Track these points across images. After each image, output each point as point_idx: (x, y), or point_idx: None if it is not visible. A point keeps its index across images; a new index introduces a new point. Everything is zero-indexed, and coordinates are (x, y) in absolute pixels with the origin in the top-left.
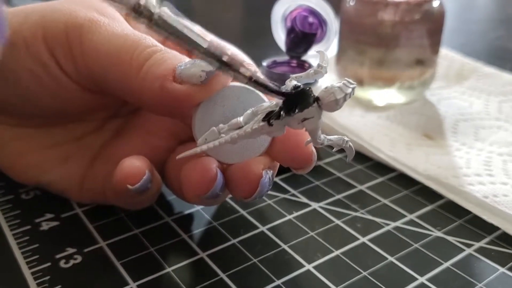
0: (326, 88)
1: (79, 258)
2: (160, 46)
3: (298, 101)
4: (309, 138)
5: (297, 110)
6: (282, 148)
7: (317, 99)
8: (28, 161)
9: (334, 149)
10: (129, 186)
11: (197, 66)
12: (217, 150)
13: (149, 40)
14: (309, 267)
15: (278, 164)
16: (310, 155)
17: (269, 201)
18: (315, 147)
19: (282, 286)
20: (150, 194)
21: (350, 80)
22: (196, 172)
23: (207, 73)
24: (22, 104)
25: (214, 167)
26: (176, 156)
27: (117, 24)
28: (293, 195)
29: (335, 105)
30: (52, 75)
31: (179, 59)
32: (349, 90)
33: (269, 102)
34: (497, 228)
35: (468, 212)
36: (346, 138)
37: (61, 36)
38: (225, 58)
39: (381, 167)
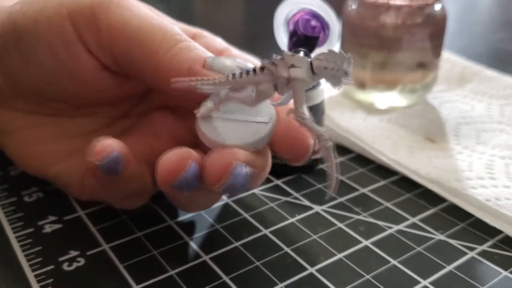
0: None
1: (82, 261)
2: (188, 38)
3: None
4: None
5: (287, 53)
6: (283, 135)
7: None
8: (37, 150)
9: (314, 154)
10: (96, 162)
11: (233, 61)
12: (208, 123)
13: (178, 29)
14: (312, 270)
15: (263, 165)
16: (308, 145)
17: (272, 204)
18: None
19: None
20: (130, 185)
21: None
22: (168, 158)
23: (241, 69)
24: (39, 85)
25: (187, 155)
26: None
27: (145, 6)
28: (296, 198)
29: (325, 60)
30: (72, 52)
31: (208, 52)
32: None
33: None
34: (500, 232)
35: (470, 215)
36: (330, 142)
37: (86, 10)
38: None
39: (383, 170)
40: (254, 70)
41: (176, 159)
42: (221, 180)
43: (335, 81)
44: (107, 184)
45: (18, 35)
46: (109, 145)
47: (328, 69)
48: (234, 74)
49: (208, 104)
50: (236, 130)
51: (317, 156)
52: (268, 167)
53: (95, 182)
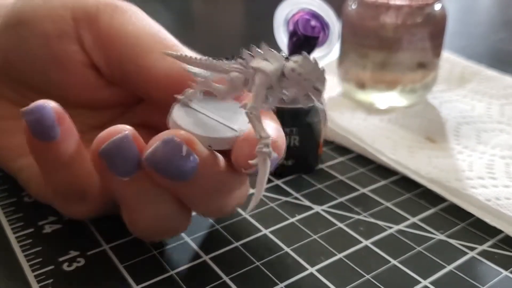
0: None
1: (82, 261)
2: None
3: None
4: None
5: (265, 47)
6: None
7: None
8: (10, 141)
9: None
10: (23, 113)
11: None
12: (181, 109)
13: (176, 41)
14: (312, 270)
15: (201, 148)
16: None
17: (272, 204)
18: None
19: None
20: (72, 172)
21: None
22: (105, 130)
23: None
24: (28, 72)
25: (123, 127)
26: None
27: (148, 17)
28: (296, 198)
29: (297, 63)
30: (65, 44)
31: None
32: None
33: None
34: (500, 231)
35: (471, 215)
36: (268, 149)
37: (91, 9)
38: None
39: (383, 170)
40: (231, 57)
41: (111, 128)
42: (148, 152)
43: (302, 92)
44: (43, 158)
45: (17, 19)
46: (47, 103)
47: (296, 73)
48: (213, 58)
49: (189, 91)
50: (202, 123)
51: (253, 162)
52: (243, 188)
53: (32, 153)
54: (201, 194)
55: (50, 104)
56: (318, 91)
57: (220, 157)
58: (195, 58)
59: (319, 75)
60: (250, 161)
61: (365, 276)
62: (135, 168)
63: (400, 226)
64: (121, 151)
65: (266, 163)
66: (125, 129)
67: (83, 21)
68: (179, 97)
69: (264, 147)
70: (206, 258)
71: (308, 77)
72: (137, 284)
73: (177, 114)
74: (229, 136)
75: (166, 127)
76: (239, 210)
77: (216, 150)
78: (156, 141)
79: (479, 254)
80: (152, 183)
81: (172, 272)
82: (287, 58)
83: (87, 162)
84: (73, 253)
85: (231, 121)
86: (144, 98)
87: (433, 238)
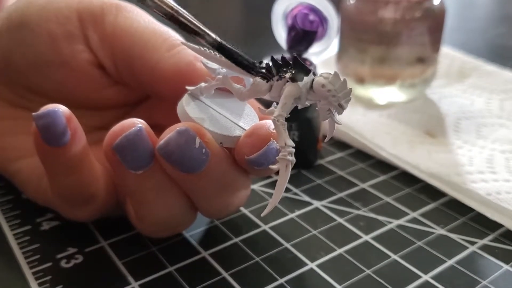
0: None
1: (80, 258)
2: None
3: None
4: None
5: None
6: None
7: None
8: (8, 142)
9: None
10: (34, 116)
11: None
12: (192, 101)
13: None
14: (312, 265)
15: (213, 142)
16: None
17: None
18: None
19: (285, 284)
20: (79, 177)
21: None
22: (117, 124)
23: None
24: (30, 72)
25: (136, 120)
26: None
27: (151, 17)
28: (295, 193)
29: (327, 79)
30: (71, 43)
31: None
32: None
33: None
34: (501, 226)
35: (471, 209)
36: (291, 157)
37: (97, 9)
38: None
39: (383, 165)
40: (258, 62)
41: (124, 122)
42: (161, 141)
43: (326, 106)
44: (52, 163)
45: (20, 21)
46: (54, 106)
47: (325, 89)
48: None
49: (202, 84)
50: (214, 119)
51: (274, 166)
52: (247, 188)
53: (41, 158)
54: (209, 190)
55: (61, 109)
56: (342, 108)
57: (229, 154)
58: (216, 54)
59: (346, 94)
60: (271, 166)
61: (365, 271)
62: (148, 161)
63: (400, 221)
64: (134, 145)
65: (287, 170)
66: (138, 123)
67: (88, 22)
68: (190, 88)
69: (288, 154)
70: (205, 254)
71: (336, 94)
72: (136, 281)
73: (190, 107)
74: (240, 135)
75: (169, 126)
76: None
77: (225, 147)
78: (170, 131)
79: (480, 248)
80: (163, 176)
81: (171, 269)
82: (313, 73)
83: (94, 165)
84: (71, 250)
85: (239, 119)
86: (150, 94)
87: (434, 233)
